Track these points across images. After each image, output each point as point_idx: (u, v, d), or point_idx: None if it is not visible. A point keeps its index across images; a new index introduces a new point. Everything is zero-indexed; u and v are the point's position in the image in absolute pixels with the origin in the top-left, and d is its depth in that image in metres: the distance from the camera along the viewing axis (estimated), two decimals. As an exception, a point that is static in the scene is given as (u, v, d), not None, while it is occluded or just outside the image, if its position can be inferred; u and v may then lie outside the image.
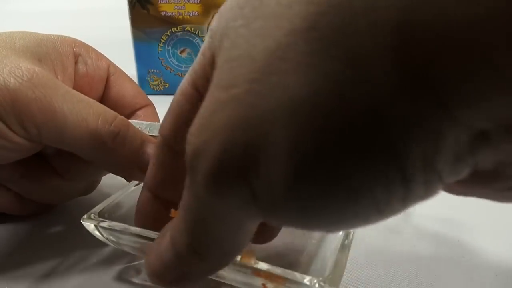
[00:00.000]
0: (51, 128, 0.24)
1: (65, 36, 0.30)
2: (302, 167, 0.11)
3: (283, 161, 0.11)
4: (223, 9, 0.15)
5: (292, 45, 0.11)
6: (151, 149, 0.27)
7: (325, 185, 0.11)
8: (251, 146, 0.12)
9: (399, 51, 0.10)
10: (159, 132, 0.21)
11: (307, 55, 0.11)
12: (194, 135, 0.13)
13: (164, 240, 0.17)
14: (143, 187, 0.22)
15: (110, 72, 0.32)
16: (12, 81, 0.23)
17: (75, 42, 0.30)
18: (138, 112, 0.32)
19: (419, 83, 0.10)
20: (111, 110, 0.26)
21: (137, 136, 0.27)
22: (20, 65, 0.24)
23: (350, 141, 0.11)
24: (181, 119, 0.19)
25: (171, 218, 0.20)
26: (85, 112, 0.25)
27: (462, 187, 0.14)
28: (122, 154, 0.26)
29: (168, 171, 0.21)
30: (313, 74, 0.11)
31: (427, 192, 0.12)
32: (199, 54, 0.17)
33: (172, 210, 0.20)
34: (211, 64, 0.15)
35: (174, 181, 0.19)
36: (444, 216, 0.32)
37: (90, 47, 0.32)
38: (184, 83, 0.19)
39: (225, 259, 0.16)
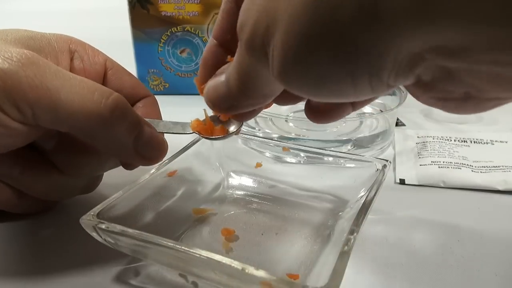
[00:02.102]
0: (45, 105, 0.24)
1: (61, 34, 0.30)
2: (294, 46, 0.16)
3: (282, 40, 0.16)
4: None
5: None
6: (148, 129, 0.27)
7: (300, 67, 0.16)
8: (267, 26, 0.16)
9: None
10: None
11: None
12: (241, 14, 0.18)
13: (220, 78, 0.22)
14: (210, 38, 0.26)
15: (108, 67, 0.32)
16: (1, 61, 0.23)
17: (71, 40, 0.30)
18: (138, 103, 0.32)
19: (371, 17, 0.13)
20: (107, 88, 0.26)
21: (135, 114, 0.26)
22: (10, 49, 0.24)
23: (323, 40, 0.15)
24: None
25: (227, 63, 0.24)
26: (79, 87, 0.24)
27: (413, 91, 0.17)
28: (120, 130, 0.25)
29: (231, 21, 0.24)
30: None
31: (374, 91, 0.16)
32: None
33: (229, 57, 0.24)
34: None
35: (234, 31, 0.22)
36: (444, 217, 0.32)
37: (87, 44, 0.31)
38: None
39: (262, 99, 0.22)
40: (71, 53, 0.30)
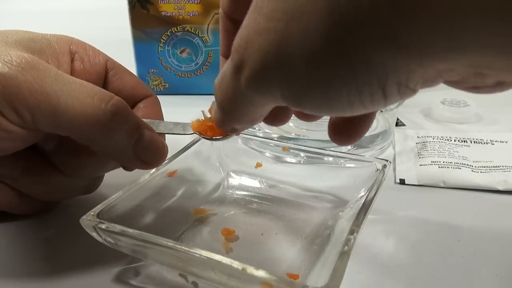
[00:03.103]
0: (44, 110, 0.23)
1: (61, 35, 0.30)
2: (312, 79, 0.16)
3: (301, 76, 0.16)
4: None
5: (309, 5, 0.15)
6: (148, 133, 0.27)
7: (327, 91, 0.16)
8: (280, 64, 0.16)
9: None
10: (220, 6, 0.23)
11: (319, 13, 0.14)
12: (241, 46, 0.17)
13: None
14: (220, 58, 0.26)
15: (108, 67, 0.32)
16: (0, 66, 0.23)
17: (71, 40, 0.30)
18: (139, 104, 0.32)
19: (397, 47, 0.14)
20: (107, 91, 0.26)
21: (135, 118, 0.26)
22: (10, 52, 0.24)
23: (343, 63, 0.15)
24: None
25: None
26: (79, 91, 0.24)
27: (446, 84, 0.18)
28: (120, 135, 0.25)
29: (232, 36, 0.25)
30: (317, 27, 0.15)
31: (402, 97, 0.16)
32: None
33: None
34: None
35: None
36: (444, 217, 0.32)
37: (87, 44, 0.31)
38: None
39: (250, 124, 0.22)
40: (72, 54, 0.30)
